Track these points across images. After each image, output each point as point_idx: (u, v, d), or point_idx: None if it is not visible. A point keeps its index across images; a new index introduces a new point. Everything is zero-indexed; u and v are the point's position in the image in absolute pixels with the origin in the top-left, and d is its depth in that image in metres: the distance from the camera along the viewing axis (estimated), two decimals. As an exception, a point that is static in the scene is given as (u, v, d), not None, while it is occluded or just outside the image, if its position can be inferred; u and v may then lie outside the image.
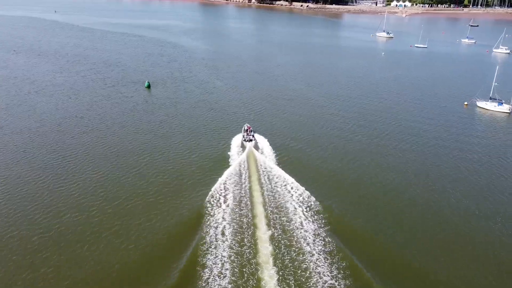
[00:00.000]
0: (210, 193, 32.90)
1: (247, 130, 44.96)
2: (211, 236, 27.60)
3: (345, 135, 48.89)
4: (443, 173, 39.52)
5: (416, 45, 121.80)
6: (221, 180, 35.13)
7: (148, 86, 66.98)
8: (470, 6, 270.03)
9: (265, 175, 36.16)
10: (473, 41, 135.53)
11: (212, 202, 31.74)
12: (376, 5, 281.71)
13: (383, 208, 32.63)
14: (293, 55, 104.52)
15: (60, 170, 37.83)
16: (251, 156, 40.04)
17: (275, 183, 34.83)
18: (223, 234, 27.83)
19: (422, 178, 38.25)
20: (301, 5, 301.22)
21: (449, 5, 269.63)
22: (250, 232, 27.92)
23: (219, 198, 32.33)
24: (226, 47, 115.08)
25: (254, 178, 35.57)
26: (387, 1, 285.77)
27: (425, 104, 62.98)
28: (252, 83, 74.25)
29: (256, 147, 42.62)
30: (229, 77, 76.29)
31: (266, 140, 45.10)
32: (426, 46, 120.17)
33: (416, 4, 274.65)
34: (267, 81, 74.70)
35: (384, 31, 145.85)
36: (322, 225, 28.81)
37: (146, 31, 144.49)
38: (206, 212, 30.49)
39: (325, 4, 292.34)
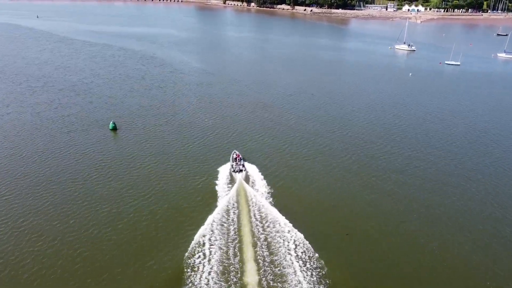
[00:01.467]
0: (193, 242, 29.11)
1: (236, 158, 41.21)
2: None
3: (361, 181, 40.20)
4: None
5: (447, 62, 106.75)
6: (206, 224, 31.13)
7: (114, 128, 52.25)
8: (489, 11, 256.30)
9: (256, 217, 32.14)
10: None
11: (196, 254, 28.05)
12: (387, 9, 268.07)
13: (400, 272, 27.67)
14: (297, 73, 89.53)
15: None
16: (242, 191, 35.92)
17: (268, 227, 30.81)
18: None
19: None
20: (304, 9, 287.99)
21: (467, 10, 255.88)
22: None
23: (204, 249, 28.55)
24: (222, 65, 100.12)
25: (244, 221, 31.61)
26: (398, 6, 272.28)
27: (495, 158, 47.69)
28: (243, 104, 59.80)
29: (247, 179, 38.69)
30: (216, 96, 61.27)
31: (258, 170, 40.58)
32: (459, 63, 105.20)
33: (430, 9, 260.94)
34: (263, 103, 59.78)
35: (404, 42, 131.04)
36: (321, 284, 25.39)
37: (132, 43, 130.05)
38: (188, 267, 27.04)
39: (331, 8, 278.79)
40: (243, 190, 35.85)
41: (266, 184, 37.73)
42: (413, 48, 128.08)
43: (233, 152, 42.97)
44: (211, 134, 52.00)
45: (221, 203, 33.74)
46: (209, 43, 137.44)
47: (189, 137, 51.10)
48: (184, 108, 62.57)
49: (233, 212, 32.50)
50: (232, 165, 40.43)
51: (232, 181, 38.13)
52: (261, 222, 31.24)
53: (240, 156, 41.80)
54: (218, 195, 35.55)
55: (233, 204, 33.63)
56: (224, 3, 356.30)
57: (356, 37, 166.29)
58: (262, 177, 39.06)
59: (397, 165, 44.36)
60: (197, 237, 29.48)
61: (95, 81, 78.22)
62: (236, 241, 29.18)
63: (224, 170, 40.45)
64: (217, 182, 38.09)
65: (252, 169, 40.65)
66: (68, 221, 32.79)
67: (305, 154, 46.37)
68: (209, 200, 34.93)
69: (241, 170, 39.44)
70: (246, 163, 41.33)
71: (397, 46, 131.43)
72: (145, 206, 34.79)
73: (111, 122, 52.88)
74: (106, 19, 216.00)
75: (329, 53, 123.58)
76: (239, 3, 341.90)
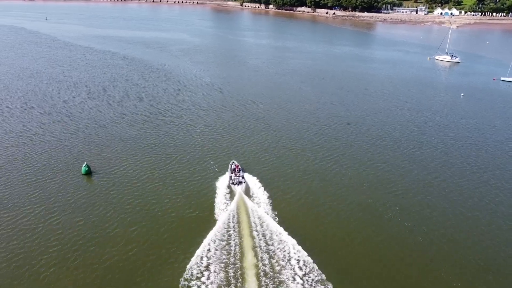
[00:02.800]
0: (192, 263, 26.91)
1: (234, 169, 39.38)
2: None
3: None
4: None
5: (503, 78, 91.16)
6: (203, 246, 28.43)
7: (87, 173, 40.87)
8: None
9: (259, 234, 29.74)
10: None
11: (194, 275, 25.91)
12: (417, 13, 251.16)
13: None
14: (323, 89, 75.96)
15: None
16: (242, 206, 33.61)
17: (272, 245, 28.61)
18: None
19: None
20: (327, 13, 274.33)
21: (507, 14, 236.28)
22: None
23: (202, 269, 26.41)
24: (238, 81, 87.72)
25: (246, 238, 29.26)
26: (429, 9, 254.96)
27: None
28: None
29: (247, 191, 36.61)
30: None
31: (259, 181, 38.67)
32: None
33: (465, 13, 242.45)
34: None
35: (447, 53, 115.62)
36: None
37: (139, 50, 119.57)
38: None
39: (355, 11, 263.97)
40: (243, 204, 34.05)
41: (268, 197, 35.82)
42: (457, 59, 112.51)
43: (231, 162, 40.82)
44: (208, 142, 50.09)
45: (221, 219, 31.76)
46: (224, 52, 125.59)
47: (182, 146, 48.78)
48: (185, 141, 50.15)
49: (234, 229, 30.63)
50: (230, 177, 38.17)
51: (231, 194, 36.24)
52: (264, 240, 29.44)
53: (239, 167, 39.67)
54: (217, 210, 33.66)
55: (234, 220, 31.76)
56: (241, 5, 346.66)
57: (387, 45, 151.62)
58: (263, 189, 37.06)
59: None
60: (195, 258, 27.56)
61: (85, 101, 66.88)
62: (238, 260, 27.54)
63: (222, 182, 38.34)
64: (215, 195, 36.05)
65: (252, 180, 38.48)
66: None
67: (310, 166, 43.73)
68: (208, 216, 33.04)
69: (240, 182, 37.27)
70: (245, 174, 39.33)
71: (437, 57, 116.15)
72: (139, 226, 32.16)
73: (84, 165, 41.21)
74: (116, 22, 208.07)
75: (359, 64, 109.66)
76: (257, 5, 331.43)
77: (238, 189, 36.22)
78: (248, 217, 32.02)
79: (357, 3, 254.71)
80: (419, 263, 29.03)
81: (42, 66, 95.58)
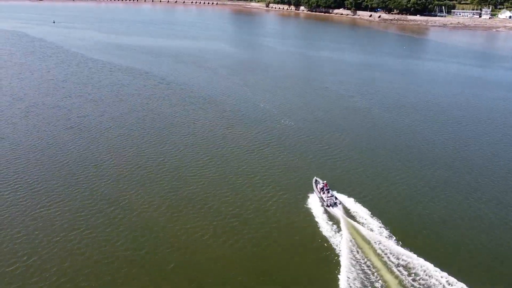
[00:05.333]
0: None
1: (322, 188, 35.65)
2: None
3: None
4: None
5: None
6: (343, 281, 25.88)
7: None
8: None
9: (395, 264, 27.28)
10: None
11: None
12: (480, 16, 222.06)
13: None
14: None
15: None
16: (354, 232, 30.63)
17: (415, 275, 26.27)
18: None
19: None
20: (370, 15, 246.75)
21: None
22: None
23: None
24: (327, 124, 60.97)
25: (384, 272, 26.58)
26: (493, 11, 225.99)
27: None
28: None
29: (349, 215, 33.08)
30: None
31: (357, 202, 35.18)
32: None
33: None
34: None
35: None
36: None
37: (172, 66, 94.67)
38: None
39: (403, 14, 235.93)
40: (353, 229, 31.04)
41: (374, 217, 32.78)
42: None
43: (314, 180, 37.80)
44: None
45: (343, 252, 28.64)
46: (285, 71, 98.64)
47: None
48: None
49: (363, 260, 27.87)
50: (321, 198, 35.16)
51: (330, 217, 33.27)
52: (404, 270, 26.95)
53: (327, 186, 36.13)
54: (331, 240, 30.47)
55: (357, 250, 28.88)
56: (267, 6, 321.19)
57: (483, 59, 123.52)
58: (366, 210, 33.93)
59: None
60: None
61: (111, 179, 40.44)
62: None
63: (313, 204, 35.46)
64: (316, 222, 32.83)
65: (343, 199, 35.74)
66: None
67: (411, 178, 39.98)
68: (323, 249, 29.88)
69: (335, 203, 34.32)
70: (335, 193, 36.29)
71: None
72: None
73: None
74: (134, 26, 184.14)
75: (478, 92, 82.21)
76: (285, 7, 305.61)
77: (339, 213, 33.25)
78: (370, 245, 29.22)
79: (408, 5, 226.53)
80: None
81: (49, 95, 70.60)
